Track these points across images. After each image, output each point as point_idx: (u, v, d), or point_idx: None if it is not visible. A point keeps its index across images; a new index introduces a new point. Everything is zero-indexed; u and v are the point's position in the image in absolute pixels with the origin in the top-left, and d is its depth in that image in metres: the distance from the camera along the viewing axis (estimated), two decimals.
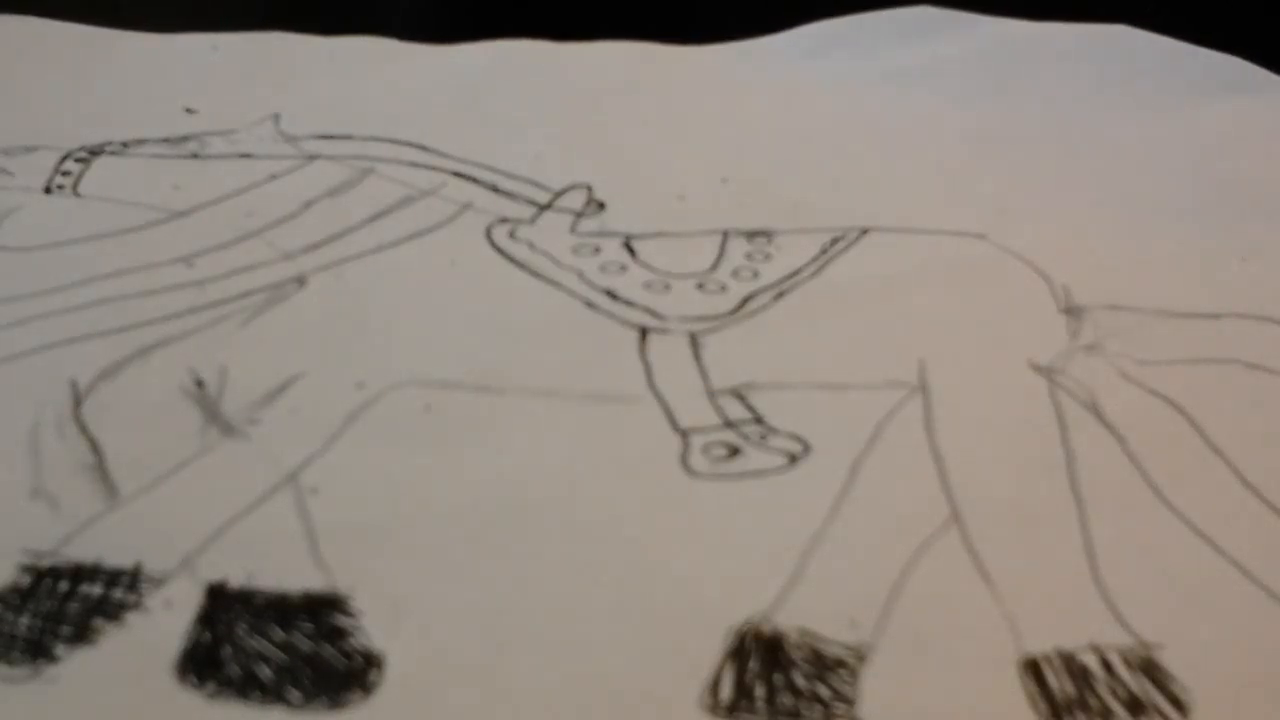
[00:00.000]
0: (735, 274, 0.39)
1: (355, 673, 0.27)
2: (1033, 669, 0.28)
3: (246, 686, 0.27)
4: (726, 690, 0.27)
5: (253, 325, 0.36)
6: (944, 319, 0.37)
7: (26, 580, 0.29)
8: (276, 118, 0.46)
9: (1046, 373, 0.35)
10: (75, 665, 0.27)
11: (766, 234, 0.40)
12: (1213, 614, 0.29)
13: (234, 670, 0.27)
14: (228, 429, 0.33)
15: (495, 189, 0.42)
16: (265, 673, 0.27)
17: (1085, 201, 0.43)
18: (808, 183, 0.43)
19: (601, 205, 0.42)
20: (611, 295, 0.38)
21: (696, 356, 0.36)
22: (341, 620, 0.28)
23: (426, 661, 0.28)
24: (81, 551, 0.30)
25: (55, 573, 0.29)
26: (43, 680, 0.27)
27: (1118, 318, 0.37)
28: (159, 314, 0.36)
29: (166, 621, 0.28)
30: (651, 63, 0.50)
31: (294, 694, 0.27)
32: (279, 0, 0.55)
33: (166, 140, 0.44)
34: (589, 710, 0.27)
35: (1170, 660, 0.28)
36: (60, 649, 0.28)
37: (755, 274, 0.39)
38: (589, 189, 0.42)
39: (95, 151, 0.43)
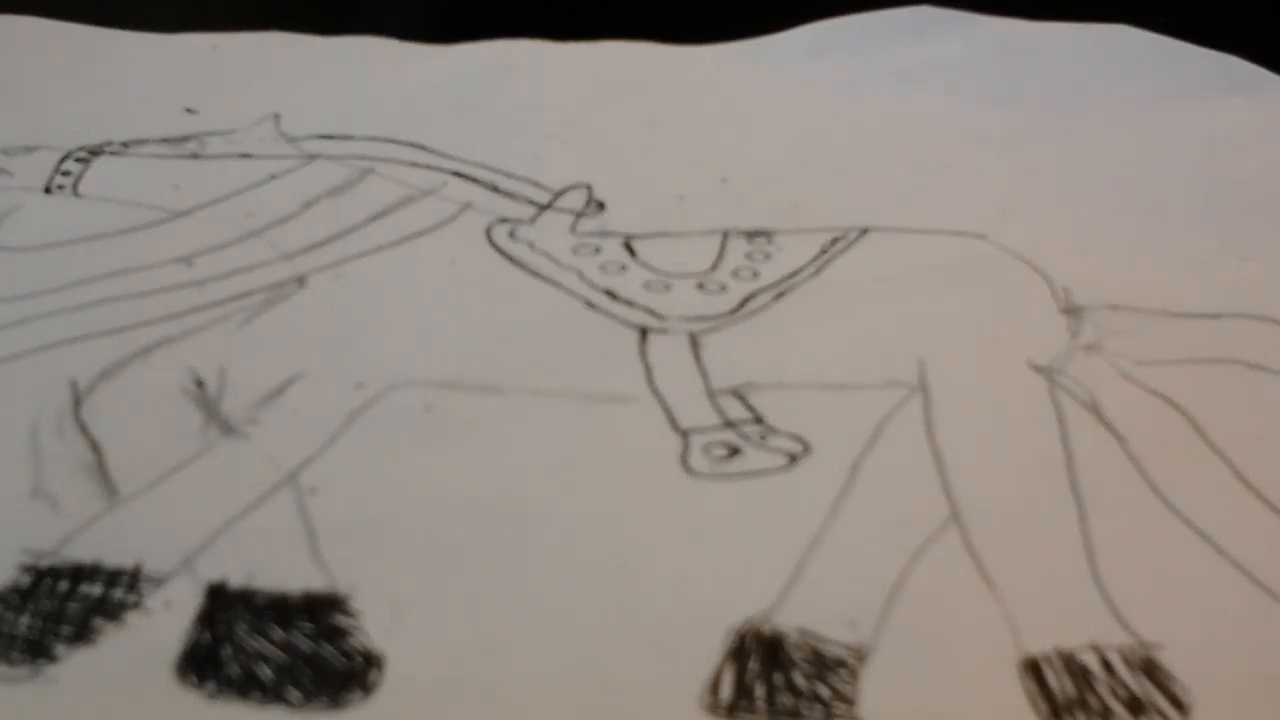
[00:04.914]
0: (735, 274, 0.39)
1: (355, 673, 0.27)
2: (1033, 669, 0.28)
3: (246, 686, 0.27)
4: (726, 690, 0.27)
5: (253, 325, 0.36)
6: (944, 319, 0.37)
7: (26, 580, 0.29)
8: (276, 118, 0.46)
9: (1046, 373, 0.35)
10: (75, 665, 0.27)
11: (766, 234, 0.40)
12: (1213, 614, 0.29)
13: (234, 670, 0.27)
14: (228, 429, 0.33)
15: (495, 189, 0.42)
16: (265, 673, 0.27)
17: (1085, 201, 0.43)
18: (808, 183, 0.43)
19: (601, 205, 0.42)
20: (611, 295, 0.38)
21: (696, 356, 0.36)
22: (341, 620, 0.28)
23: (426, 661, 0.28)
24: (81, 551, 0.30)
25: (55, 573, 0.29)
26: (43, 680, 0.27)
27: (1118, 318, 0.37)
28: (159, 314, 0.36)
29: (166, 621, 0.28)
30: (651, 63, 0.50)
31: (294, 694, 0.27)
32: (279, 0, 0.55)
33: (166, 140, 0.44)
34: (589, 710, 0.27)
35: (1170, 660, 0.28)
36: (60, 649, 0.28)
37: (755, 274, 0.39)
38: (589, 189, 0.42)
39: (95, 151, 0.43)
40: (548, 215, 0.41)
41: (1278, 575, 0.30)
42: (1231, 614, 0.29)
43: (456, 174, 0.43)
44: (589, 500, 0.31)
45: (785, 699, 0.27)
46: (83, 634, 0.28)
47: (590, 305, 0.37)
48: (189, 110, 0.46)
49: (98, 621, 0.28)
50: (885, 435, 0.33)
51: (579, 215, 0.41)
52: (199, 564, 0.29)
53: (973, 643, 0.28)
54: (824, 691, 0.27)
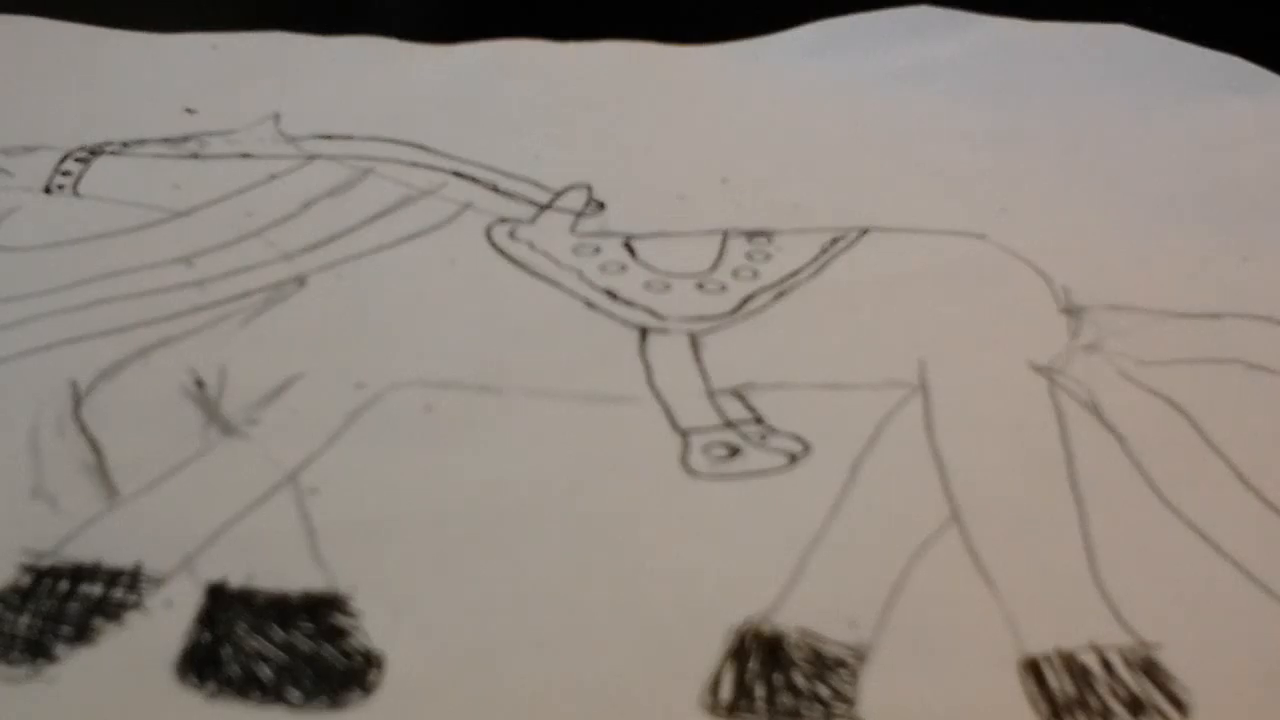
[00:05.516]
0: (735, 274, 0.39)
1: (355, 673, 0.27)
2: (1033, 669, 0.28)
3: (246, 686, 0.27)
4: (726, 690, 0.27)
5: (253, 325, 0.36)
6: (944, 319, 0.37)
7: (26, 580, 0.29)
8: (276, 118, 0.46)
9: (1046, 373, 0.35)
10: (75, 665, 0.27)
11: (766, 234, 0.40)
12: (1213, 614, 0.29)
13: (234, 670, 0.27)
14: (228, 429, 0.33)
15: (495, 189, 0.42)
16: (265, 673, 0.27)
17: (1085, 201, 0.43)
18: (808, 183, 0.43)
19: (601, 205, 0.42)
20: (611, 295, 0.38)
21: (696, 356, 0.36)
22: (341, 620, 0.28)
23: (426, 661, 0.28)
24: (81, 551, 0.30)
25: (55, 573, 0.29)
26: (43, 680, 0.27)
27: (1118, 318, 0.37)
28: (159, 314, 0.36)
29: (166, 621, 0.28)
30: (651, 63, 0.50)
31: (294, 694, 0.27)
32: (279, 0, 0.55)
33: (166, 140, 0.44)
34: (589, 710, 0.27)
35: (1170, 660, 0.28)
36: (60, 649, 0.28)
37: (755, 274, 0.39)
38: (589, 189, 0.42)
39: (95, 151, 0.43)
40: (548, 215, 0.41)
41: (1278, 575, 0.30)
42: (1231, 614, 0.29)
43: (456, 174, 0.43)
44: (589, 500, 0.31)
45: (785, 699, 0.27)
46: (83, 634, 0.28)
47: (590, 305, 0.37)
48: (189, 110, 0.46)
49: (98, 621, 0.28)
50: (885, 435, 0.33)
51: (579, 215, 0.41)
52: (199, 564, 0.29)
53: (973, 643, 0.28)
54: (824, 691, 0.27)
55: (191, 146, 0.44)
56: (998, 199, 0.42)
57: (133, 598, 0.29)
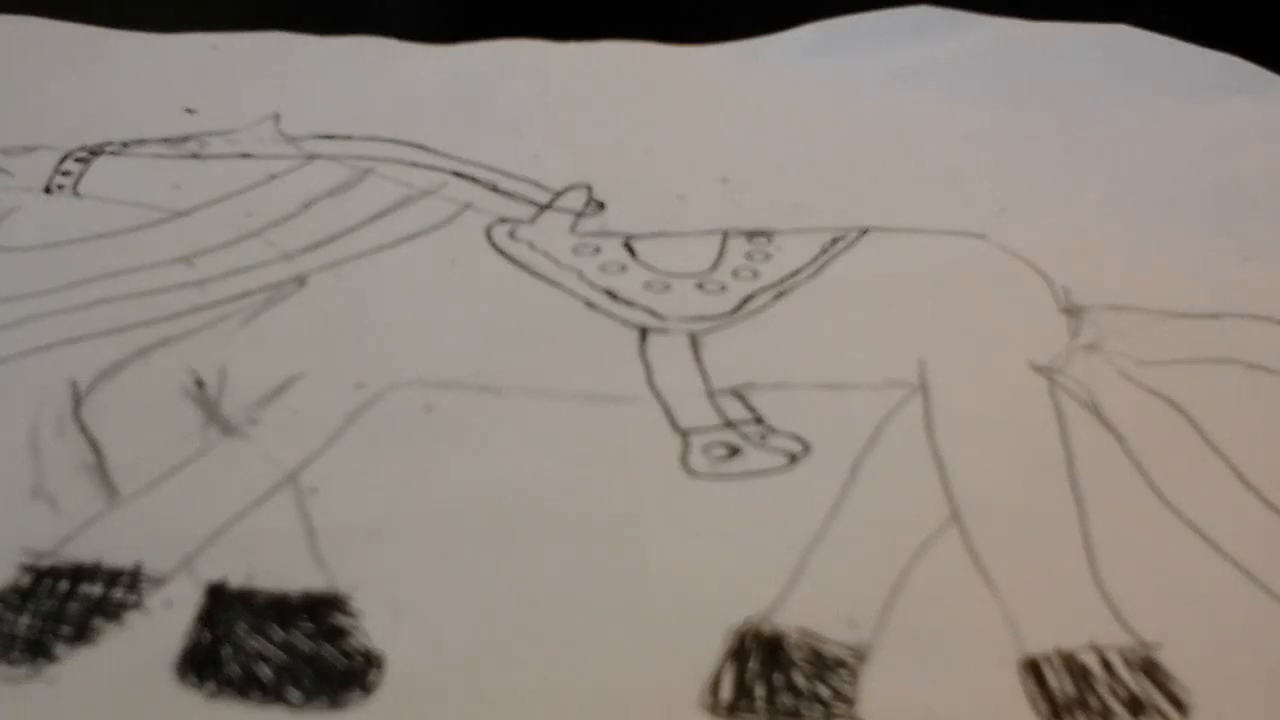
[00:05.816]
0: (735, 274, 0.39)
1: (355, 673, 0.27)
2: (1033, 669, 0.28)
3: (246, 686, 0.27)
4: (726, 690, 0.27)
5: (253, 325, 0.36)
6: (944, 319, 0.37)
7: (26, 580, 0.29)
8: (276, 118, 0.46)
9: (1046, 373, 0.35)
10: (75, 665, 0.27)
11: (766, 234, 0.40)
12: (1213, 614, 0.29)
13: (234, 670, 0.27)
14: (228, 429, 0.33)
15: (495, 189, 0.42)
16: (265, 673, 0.27)
17: (1085, 201, 0.43)
18: (808, 183, 0.43)
19: (601, 205, 0.42)
20: (611, 295, 0.38)
21: (696, 356, 0.36)
22: (341, 620, 0.28)
23: (426, 661, 0.28)
24: (81, 551, 0.30)
25: (55, 573, 0.29)
26: (43, 680, 0.27)
27: (1118, 318, 0.37)
28: (159, 314, 0.36)
29: (166, 621, 0.28)
30: (651, 63, 0.50)
31: (294, 694, 0.27)
32: (279, 0, 0.55)
33: (166, 140, 0.44)
34: (589, 710, 0.27)
35: (1170, 660, 0.28)
36: (60, 649, 0.28)
37: (755, 274, 0.39)
38: (589, 189, 0.42)
39: (95, 151, 0.43)
40: (548, 215, 0.41)
41: (1278, 575, 0.30)
42: (1231, 614, 0.29)
43: (456, 174, 0.43)
44: (589, 500, 0.31)
45: (785, 699, 0.27)
46: (83, 634, 0.28)
47: (590, 305, 0.37)
48: (189, 110, 0.46)
49: (98, 621, 0.28)
50: (885, 435, 0.33)
51: (579, 215, 0.41)
52: (199, 564, 0.29)
53: (973, 643, 0.28)
54: (824, 691, 0.27)
55: (191, 146, 0.44)
56: (998, 199, 0.42)
57: (133, 598, 0.29)
